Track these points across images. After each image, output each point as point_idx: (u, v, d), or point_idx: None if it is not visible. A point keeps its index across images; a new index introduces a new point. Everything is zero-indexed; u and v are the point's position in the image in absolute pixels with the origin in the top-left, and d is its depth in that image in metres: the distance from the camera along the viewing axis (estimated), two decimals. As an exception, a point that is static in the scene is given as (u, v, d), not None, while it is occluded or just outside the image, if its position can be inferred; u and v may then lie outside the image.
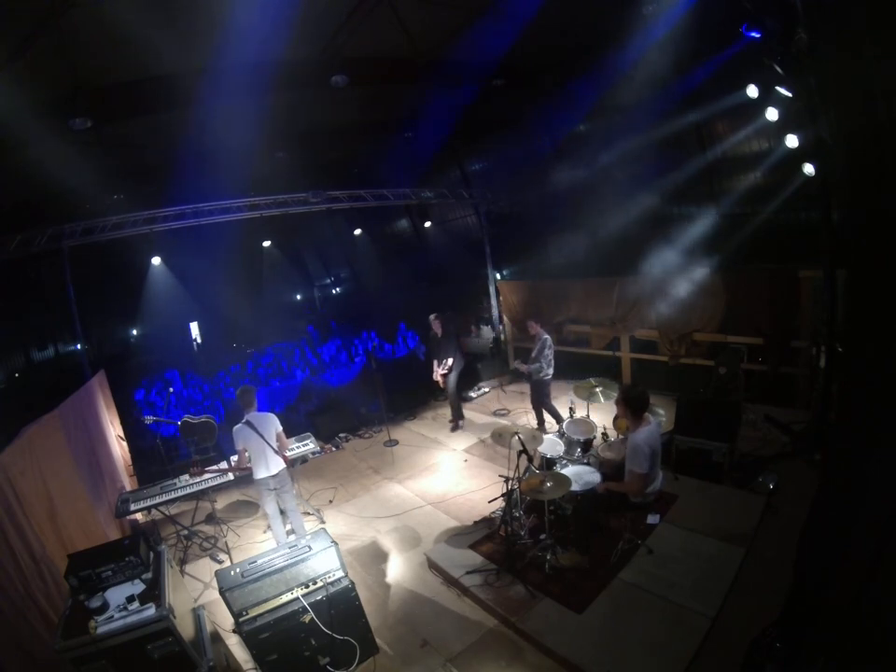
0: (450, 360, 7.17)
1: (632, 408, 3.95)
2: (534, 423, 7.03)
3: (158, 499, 4.78)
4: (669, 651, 3.08)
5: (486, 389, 9.11)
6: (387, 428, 7.45)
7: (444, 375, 7.33)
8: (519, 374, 9.51)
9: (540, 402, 6.74)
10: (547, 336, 6.58)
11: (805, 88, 4.60)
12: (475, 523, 4.81)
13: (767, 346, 6.49)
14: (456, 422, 7.57)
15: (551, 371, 6.56)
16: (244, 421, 4.44)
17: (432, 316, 7.31)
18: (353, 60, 6.39)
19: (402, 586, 4.21)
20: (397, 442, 7.24)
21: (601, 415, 5.86)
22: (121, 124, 6.60)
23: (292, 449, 5.30)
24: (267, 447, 4.43)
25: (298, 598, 3.20)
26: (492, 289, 10.32)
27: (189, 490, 4.91)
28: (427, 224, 13.22)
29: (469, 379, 9.83)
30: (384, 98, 8.20)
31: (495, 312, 10.35)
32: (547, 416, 6.82)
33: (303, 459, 5.61)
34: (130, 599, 2.76)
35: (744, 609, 3.28)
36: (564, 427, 5.22)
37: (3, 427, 4.26)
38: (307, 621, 3.18)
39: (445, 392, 7.71)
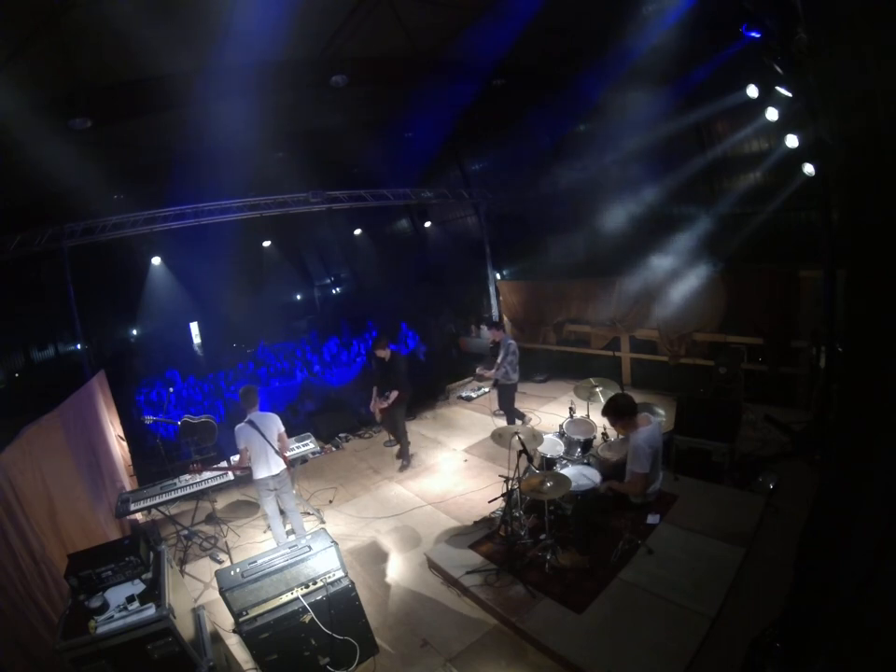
0: (394, 393, 6.10)
1: (625, 416, 3.96)
2: (534, 423, 7.06)
3: (158, 499, 4.78)
4: (669, 651, 3.08)
5: (486, 389, 9.08)
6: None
7: (385, 409, 6.27)
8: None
9: (508, 405, 6.76)
10: (511, 342, 6.60)
11: (804, 88, 4.60)
12: (475, 523, 4.81)
13: (767, 346, 6.49)
14: (408, 459, 6.49)
15: (515, 375, 6.58)
16: (246, 420, 4.44)
17: (379, 340, 6.29)
18: (353, 60, 6.40)
19: (402, 586, 4.21)
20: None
21: (601, 415, 5.85)
22: (121, 124, 6.61)
23: (292, 449, 5.30)
24: (268, 447, 4.44)
25: (298, 598, 3.20)
26: (492, 289, 10.32)
27: (189, 490, 4.90)
28: (427, 224, 13.22)
29: (468, 379, 9.89)
30: (384, 98, 8.21)
31: (495, 312, 10.35)
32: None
33: (303, 459, 5.61)
34: (130, 599, 2.76)
35: (744, 609, 3.28)
36: (564, 426, 5.23)
37: (3, 427, 4.26)
38: (307, 621, 3.18)
39: (381, 427, 6.74)
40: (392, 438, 7.25)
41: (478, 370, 7.13)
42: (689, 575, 3.65)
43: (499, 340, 6.65)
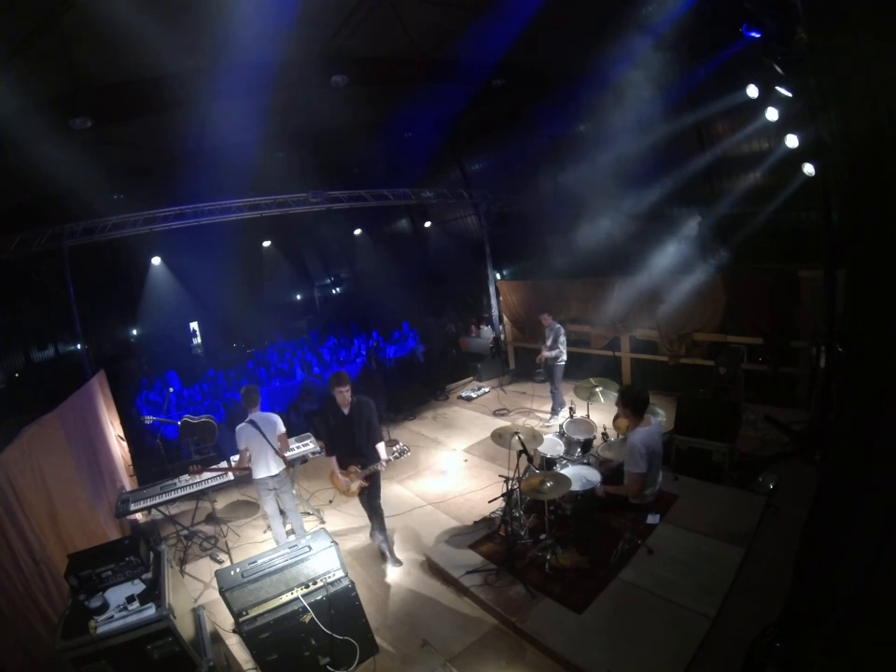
0: (381, 450, 4.31)
1: (631, 408, 3.95)
2: (533, 422, 7.11)
3: (158, 499, 4.78)
4: (669, 651, 3.08)
5: (486, 389, 9.11)
6: (387, 428, 7.45)
7: (370, 478, 4.29)
8: (518, 374, 9.59)
9: (557, 384, 7.14)
10: (559, 325, 7.06)
11: (805, 88, 4.60)
12: (475, 523, 4.80)
13: (767, 346, 6.49)
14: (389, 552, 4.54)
15: (565, 356, 7.05)
16: (247, 420, 4.44)
17: (339, 378, 4.22)
18: (353, 60, 6.41)
19: (402, 586, 4.21)
20: (397, 442, 7.23)
21: (601, 415, 5.86)
22: (121, 124, 6.61)
23: (292, 449, 5.30)
24: (269, 447, 4.43)
25: (298, 598, 3.20)
26: (492, 289, 10.32)
27: (189, 490, 4.90)
28: (427, 224, 13.23)
29: (468, 379, 9.88)
30: (383, 98, 8.21)
31: (495, 312, 10.35)
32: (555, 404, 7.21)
33: (303, 459, 5.61)
34: (130, 599, 2.76)
35: (744, 609, 3.28)
36: (564, 426, 5.23)
37: (3, 427, 4.26)
38: (307, 621, 3.18)
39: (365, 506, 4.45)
40: (393, 438, 7.25)
41: (544, 352, 7.19)
42: (689, 575, 3.65)
43: (547, 324, 7.07)
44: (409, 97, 7.98)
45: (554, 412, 7.21)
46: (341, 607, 3.30)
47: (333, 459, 4.33)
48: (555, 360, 6.99)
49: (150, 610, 2.71)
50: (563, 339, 7.01)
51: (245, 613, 3.11)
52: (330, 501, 5.80)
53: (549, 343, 7.01)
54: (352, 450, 4.28)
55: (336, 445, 4.35)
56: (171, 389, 9.29)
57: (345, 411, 4.26)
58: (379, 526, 4.49)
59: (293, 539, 4.49)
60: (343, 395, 4.18)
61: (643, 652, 3.11)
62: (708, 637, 3.16)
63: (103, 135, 6.53)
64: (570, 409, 5.93)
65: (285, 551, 3.34)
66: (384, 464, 4.28)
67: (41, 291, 10.58)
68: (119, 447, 6.05)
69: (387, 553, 4.51)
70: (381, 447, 4.32)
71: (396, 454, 4.39)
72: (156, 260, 11.30)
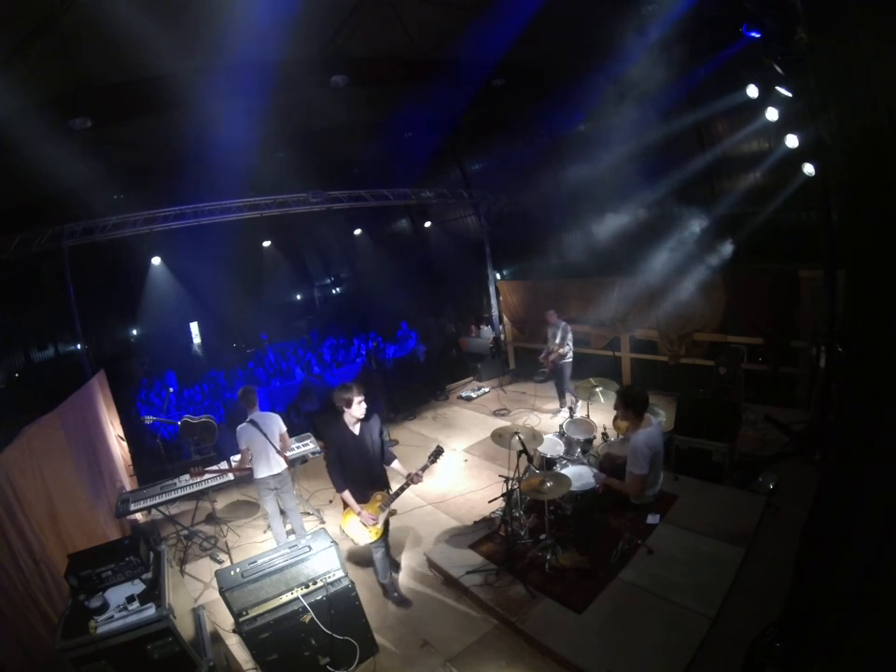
0: (394, 463, 3.93)
1: (632, 410, 3.94)
2: (533, 422, 7.10)
3: (158, 499, 4.78)
4: (669, 651, 3.08)
5: (486, 389, 9.11)
6: (387, 428, 7.44)
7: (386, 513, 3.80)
8: (518, 374, 9.59)
9: (566, 383, 7.20)
10: (565, 322, 7.16)
11: (805, 88, 4.60)
12: (475, 523, 4.81)
13: (767, 346, 6.49)
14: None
15: (572, 353, 7.18)
16: (248, 420, 4.44)
17: (346, 390, 3.64)
18: (353, 60, 6.40)
19: (402, 586, 4.21)
20: (397, 442, 7.24)
21: (601, 415, 5.86)
22: (121, 124, 6.61)
23: (292, 449, 5.30)
24: (270, 447, 4.44)
25: (298, 598, 3.19)
26: (492, 289, 10.32)
27: (188, 490, 4.90)
28: (427, 224, 13.23)
29: (468, 379, 9.87)
30: (383, 98, 8.21)
31: (495, 312, 10.35)
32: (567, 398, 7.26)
33: (303, 459, 5.61)
34: (130, 599, 2.75)
35: (744, 609, 3.28)
36: (564, 426, 5.23)
37: (3, 427, 4.26)
38: (307, 621, 3.18)
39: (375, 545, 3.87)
40: (393, 438, 7.25)
41: (559, 349, 7.12)
42: (689, 575, 3.65)
43: (553, 322, 7.17)
44: (409, 97, 7.97)
45: (571, 406, 7.16)
46: (341, 607, 3.30)
47: (347, 495, 3.61)
48: (563, 358, 7.03)
49: (150, 610, 2.70)
50: (570, 336, 7.09)
51: (245, 613, 3.11)
52: (330, 501, 5.79)
53: (557, 340, 7.06)
54: (371, 477, 3.73)
55: (350, 476, 3.64)
56: (170, 389, 9.29)
57: (356, 430, 3.67)
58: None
59: (293, 538, 4.50)
60: (361, 406, 3.61)
61: (643, 652, 3.11)
62: (708, 636, 3.16)
63: (103, 135, 6.52)
64: (570, 409, 5.94)
65: (285, 551, 3.34)
66: (421, 474, 3.68)
67: (41, 291, 10.58)
68: (119, 447, 6.05)
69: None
70: (397, 464, 3.89)
71: (432, 458, 3.72)
72: (156, 260, 11.30)
